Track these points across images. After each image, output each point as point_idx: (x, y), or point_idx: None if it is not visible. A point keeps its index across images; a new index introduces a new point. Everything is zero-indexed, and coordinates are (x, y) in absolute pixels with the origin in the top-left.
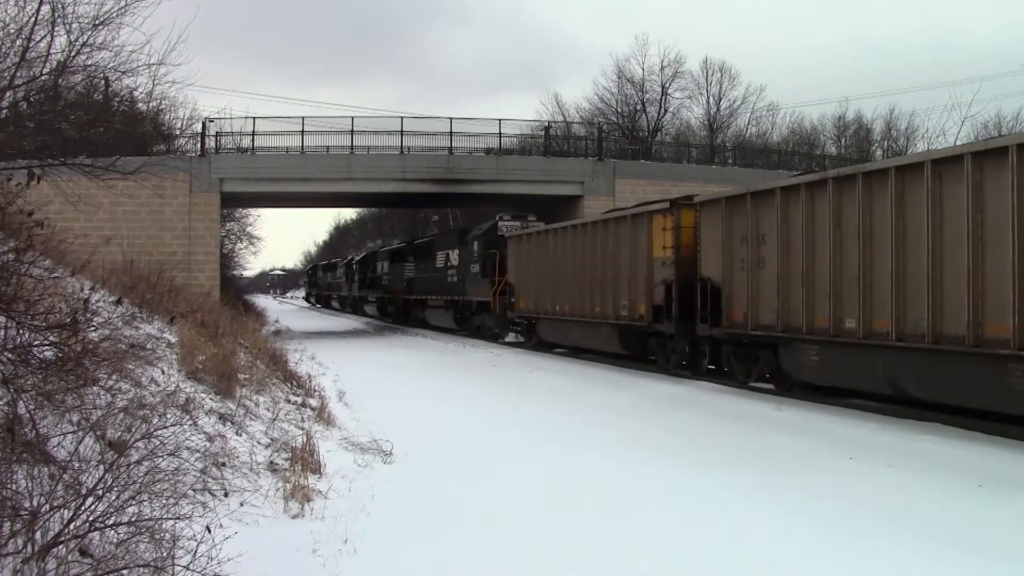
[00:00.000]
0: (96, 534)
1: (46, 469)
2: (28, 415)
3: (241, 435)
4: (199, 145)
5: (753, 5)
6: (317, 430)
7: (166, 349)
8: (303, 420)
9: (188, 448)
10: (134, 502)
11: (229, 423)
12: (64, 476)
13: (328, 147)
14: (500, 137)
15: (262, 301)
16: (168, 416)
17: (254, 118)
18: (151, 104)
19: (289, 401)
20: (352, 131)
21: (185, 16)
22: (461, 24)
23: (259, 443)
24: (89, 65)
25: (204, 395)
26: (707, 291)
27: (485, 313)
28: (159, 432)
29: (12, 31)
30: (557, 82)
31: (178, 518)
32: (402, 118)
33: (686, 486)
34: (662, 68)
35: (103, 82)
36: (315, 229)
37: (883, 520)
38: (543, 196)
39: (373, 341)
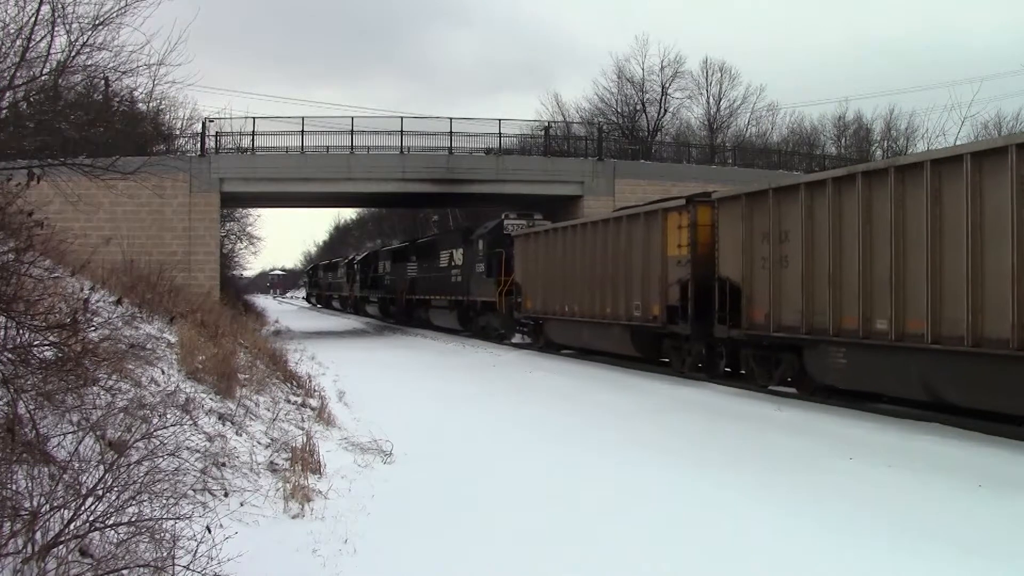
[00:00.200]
0: (96, 534)
1: (46, 469)
2: (28, 415)
3: (241, 435)
4: (199, 145)
5: (753, 5)
6: (317, 430)
7: (166, 349)
8: (303, 420)
9: (188, 448)
10: (134, 502)
11: (229, 423)
12: (64, 476)
13: (328, 147)
14: (500, 137)
15: (262, 301)
16: (168, 416)
17: (254, 118)
18: (151, 104)
19: (289, 401)
20: (352, 131)
21: (185, 16)
22: (461, 24)
23: (259, 443)
24: (89, 65)
25: (204, 395)
26: (726, 291)
27: (490, 314)
28: (159, 432)
29: (12, 31)
30: (557, 82)
31: (178, 518)
32: (402, 118)
33: (686, 486)
34: (662, 68)
35: (103, 82)
36: (315, 229)
37: (883, 520)
38: (543, 196)
39: (373, 341)
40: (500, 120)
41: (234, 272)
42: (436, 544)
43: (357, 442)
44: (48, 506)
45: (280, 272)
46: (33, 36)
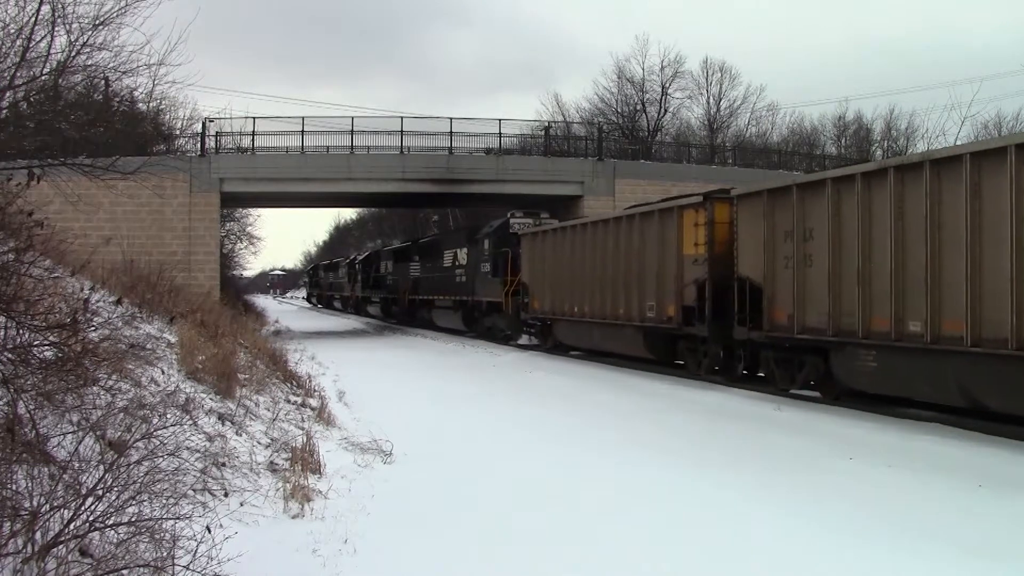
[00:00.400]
0: (96, 534)
1: (46, 469)
2: (28, 415)
3: (241, 435)
4: (199, 145)
5: (753, 5)
6: (317, 430)
7: (166, 349)
8: (303, 420)
9: (188, 448)
10: (134, 502)
11: (229, 423)
12: (64, 476)
13: (328, 147)
14: (500, 137)
15: (262, 301)
16: (168, 416)
17: (254, 118)
18: (151, 104)
19: (289, 401)
20: (352, 131)
21: (185, 16)
22: (461, 24)
23: (259, 443)
24: (89, 65)
25: (204, 395)
26: (746, 291)
27: (496, 314)
28: (159, 432)
29: (12, 31)
30: (557, 82)
31: (178, 518)
32: (402, 118)
33: (686, 486)
34: (662, 68)
35: (103, 82)
36: (315, 229)
37: (883, 520)
38: (543, 196)
39: (373, 341)
40: (500, 120)
41: (234, 272)
42: (436, 544)
43: (357, 442)
44: (48, 506)
45: (280, 272)
46: (33, 36)
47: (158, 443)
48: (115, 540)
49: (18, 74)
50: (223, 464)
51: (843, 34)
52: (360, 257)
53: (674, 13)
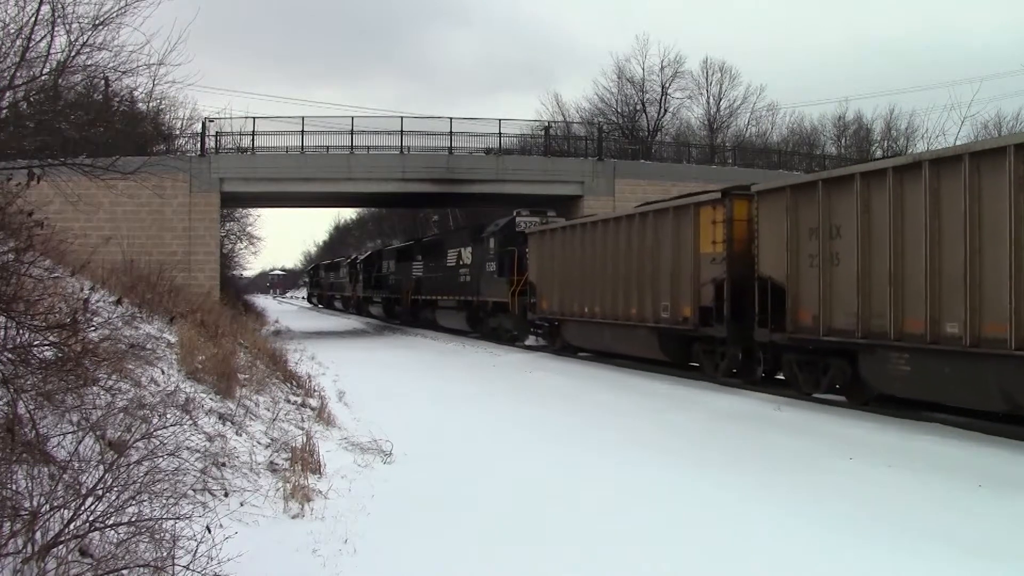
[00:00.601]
0: (96, 534)
1: (46, 469)
2: (28, 415)
3: (241, 435)
4: (199, 145)
5: (753, 5)
6: (317, 430)
7: (166, 349)
8: (303, 420)
9: (188, 448)
10: (134, 502)
11: (229, 423)
12: (64, 476)
13: (328, 147)
14: (500, 137)
15: (262, 301)
16: (168, 416)
17: (254, 118)
18: (151, 104)
19: (289, 401)
20: (352, 131)
21: (185, 16)
22: (461, 24)
23: (259, 443)
24: (89, 65)
25: (204, 395)
26: (767, 291)
27: (502, 315)
28: (159, 432)
29: (12, 31)
30: (557, 82)
31: (178, 518)
32: (402, 118)
33: (686, 486)
34: (662, 68)
35: (103, 82)
36: (315, 229)
37: (883, 520)
38: (543, 196)
39: (373, 341)
40: (500, 120)
41: (234, 272)
42: (436, 544)
43: (357, 442)
44: (48, 506)
45: (280, 272)
46: (33, 36)
47: (158, 443)
48: (115, 540)
49: (18, 74)
50: (223, 464)
51: (843, 34)
52: (362, 257)
53: (674, 13)
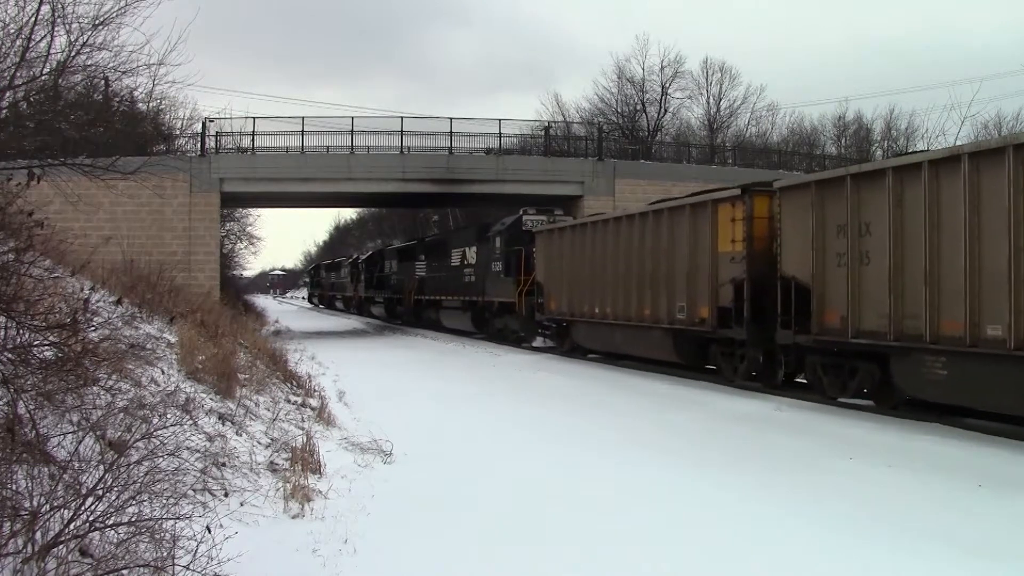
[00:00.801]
0: (96, 534)
1: (46, 469)
2: (28, 415)
3: (241, 435)
4: (199, 145)
5: (753, 5)
6: (317, 430)
7: (166, 349)
8: (303, 420)
9: (188, 448)
10: (134, 502)
11: (229, 423)
12: (64, 476)
13: (328, 147)
14: (500, 137)
15: (262, 301)
16: (168, 416)
17: (254, 118)
18: (151, 104)
19: (289, 401)
20: (352, 131)
21: (185, 16)
22: (461, 24)
23: (259, 443)
24: (89, 65)
25: (204, 395)
26: (791, 292)
27: (508, 315)
28: (159, 432)
29: (12, 31)
30: (557, 82)
31: (178, 518)
32: (402, 118)
33: (686, 486)
34: (662, 68)
35: (103, 82)
36: (315, 229)
37: (883, 520)
38: (543, 196)
39: (373, 341)
40: (500, 120)
41: (234, 272)
42: (436, 544)
43: (357, 442)
44: (48, 506)
45: (280, 272)
46: (33, 36)
47: (158, 443)
48: (115, 540)
49: (18, 74)
50: (223, 464)
51: (843, 34)
52: (363, 256)
53: (674, 13)
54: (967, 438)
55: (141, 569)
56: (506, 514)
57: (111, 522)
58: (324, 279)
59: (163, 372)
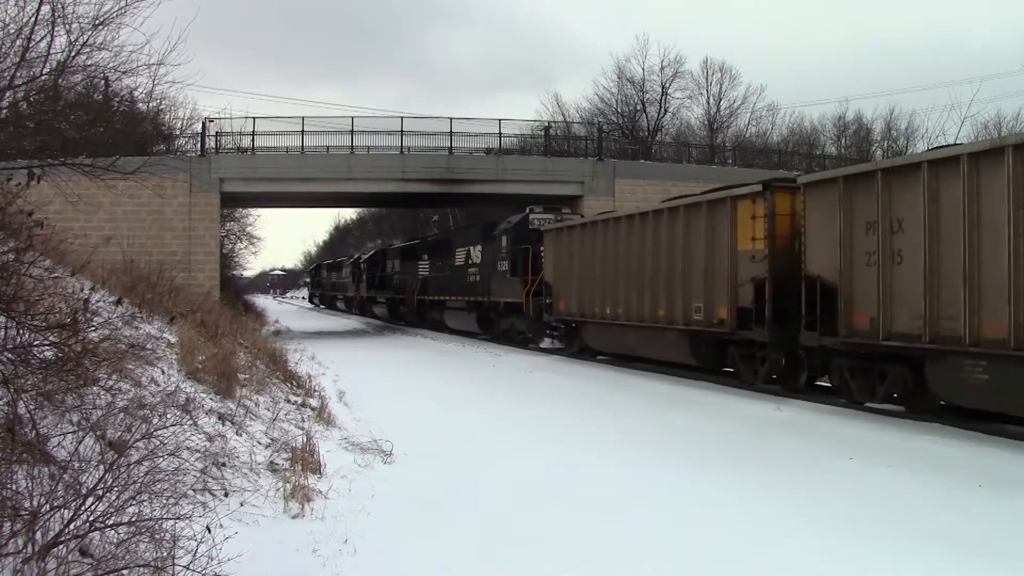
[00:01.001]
0: (96, 534)
1: (46, 469)
2: (28, 415)
3: (241, 435)
4: (199, 145)
5: (753, 5)
6: (317, 430)
7: (166, 349)
8: (303, 420)
9: (188, 448)
10: (134, 502)
11: (229, 423)
12: (64, 476)
13: (328, 147)
14: (500, 137)
15: (262, 301)
16: (168, 416)
17: (254, 118)
18: (151, 104)
19: (289, 401)
20: (352, 131)
21: (185, 16)
22: (461, 24)
23: (259, 443)
24: (89, 65)
25: (204, 395)
26: (815, 291)
27: (515, 316)
28: (159, 432)
29: (12, 31)
30: (557, 82)
31: (178, 518)
32: (402, 118)
33: (686, 486)
34: (662, 68)
35: (103, 82)
36: (315, 229)
37: (883, 520)
38: (543, 196)
39: (373, 341)
40: (500, 120)
41: (234, 272)
42: (436, 544)
43: (357, 442)
44: (48, 506)
45: (280, 272)
46: (33, 36)
47: (158, 443)
48: (115, 540)
49: (18, 74)
50: (223, 464)
51: (843, 34)
52: (365, 256)
53: (674, 13)
54: (967, 438)
55: (141, 569)
56: (506, 514)
57: (111, 522)
58: (325, 279)
59: (163, 372)
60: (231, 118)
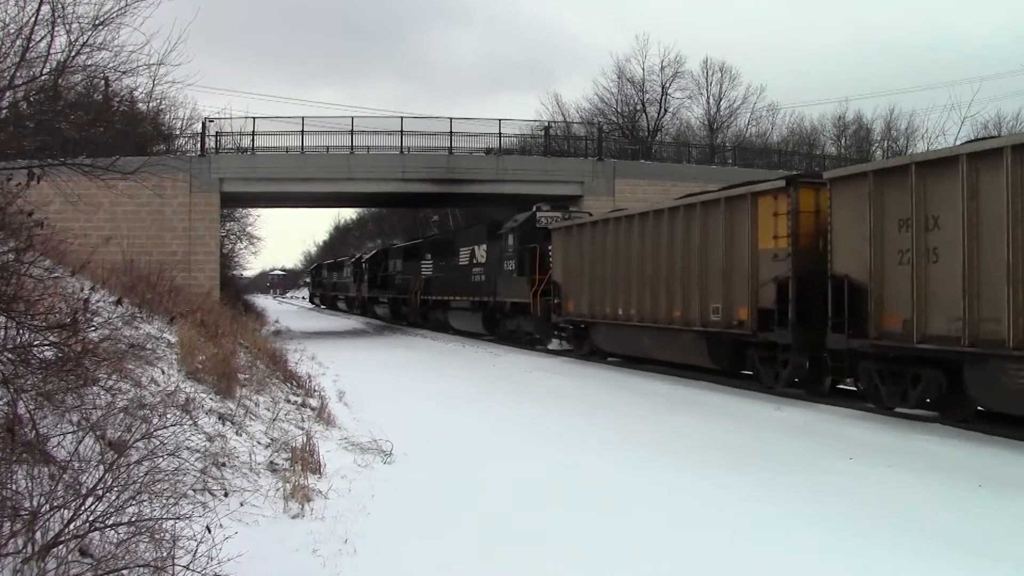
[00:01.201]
0: (96, 534)
1: (46, 469)
2: (28, 415)
3: (241, 435)
4: (199, 145)
5: (753, 5)
6: (317, 430)
7: (166, 349)
8: (303, 420)
9: (188, 448)
10: (134, 502)
11: (229, 423)
12: (64, 476)
13: (328, 147)
14: (500, 137)
15: (262, 301)
16: (168, 416)
17: (254, 118)
18: (151, 104)
19: (289, 401)
20: (352, 131)
21: (185, 16)
22: (461, 24)
23: (259, 443)
24: (89, 65)
25: (204, 395)
26: (843, 292)
27: (522, 316)
28: (159, 432)
29: (12, 31)
30: (557, 82)
31: (178, 518)
32: (402, 118)
33: (686, 486)
34: (662, 68)
35: (103, 82)
36: (315, 229)
37: (883, 520)
38: (543, 196)
39: (373, 341)
40: (500, 120)
41: (234, 272)
42: (436, 544)
43: (357, 442)
44: (48, 506)
45: (280, 272)
46: (33, 36)
47: (158, 443)
48: (115, 540)
49: (18, 74)
50: (223, 464)
51: (843, 34)
52: (367, 256)
53: (674, 13)
54: (967, 438)
55: (141, 569)
56: (506, 514)
57: (111, 522)
58: (326, 279)
59: (163, 372)
60: (231, 118)
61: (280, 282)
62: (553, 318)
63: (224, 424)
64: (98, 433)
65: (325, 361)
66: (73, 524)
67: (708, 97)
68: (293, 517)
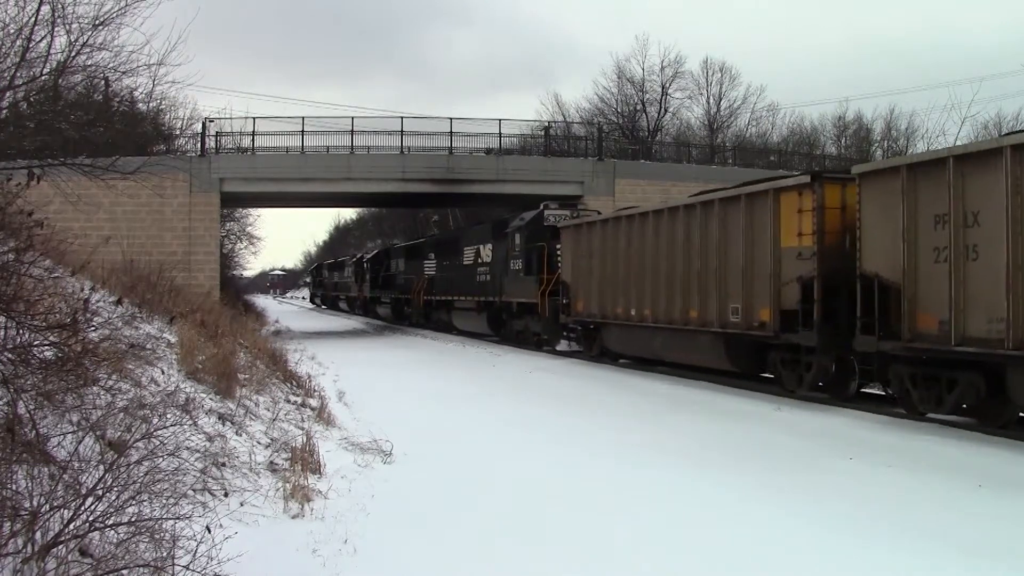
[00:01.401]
0: (96, 534)
1: (46, 469)
2: (28, 415)
3: (241, 435)
4: (199, 145)
5: (753, 5)
6: (317, 430)
7: (166, 349)
8: (303, 420)
9: (188, 448)
10: (134, 502)
11: (229, 423)
12: (64, 476)
13: (328, 147)
14: (500, 137)
15: (262, 301)
16: (168, 416)
17: (254, 118)
18: (151, 104)
19: (289, 401)
20: (352, 131)
21: (185, 16)
22: (461, 24)
23: (259, 443)
24: (89, 65)
25: (204, 395)
26: (872, 291)
27: (529, 317)
28: (159, 432)
29: (12, 31)
30: (557, 82)
31: (178, 518)
32: (402, 118)
33: (686, 486)
34: (662, 68)
35: (103, 82)
36: (315, 229)
37: (883, 520)
38: (543, 196)
39: (373, 341)
40: (500, 120)
41: (234, 272)
42: (436, 544)
43: (357, 442)
44: (48, 506)
45: (280, 272)
46: (33, 36)
47: (158, 443)
48: (115, 540)
49: (18, 74)
50: (223, 464)
51: (843, 34)
52: (368, 255)
53: (674, 13)
54: (967, 438)
55: (141, 569)
56: (506, 514)
57: (111, 522)
58: (327, 279)
59: (163, 372)
60: (231, 118)
61: (280, 282)
62: (562, 318)
63: (224, 424)
64: (98, 433)
65: (325, 361)
66: (73, 524)
67: (708, 97)
68: (293, 517)
